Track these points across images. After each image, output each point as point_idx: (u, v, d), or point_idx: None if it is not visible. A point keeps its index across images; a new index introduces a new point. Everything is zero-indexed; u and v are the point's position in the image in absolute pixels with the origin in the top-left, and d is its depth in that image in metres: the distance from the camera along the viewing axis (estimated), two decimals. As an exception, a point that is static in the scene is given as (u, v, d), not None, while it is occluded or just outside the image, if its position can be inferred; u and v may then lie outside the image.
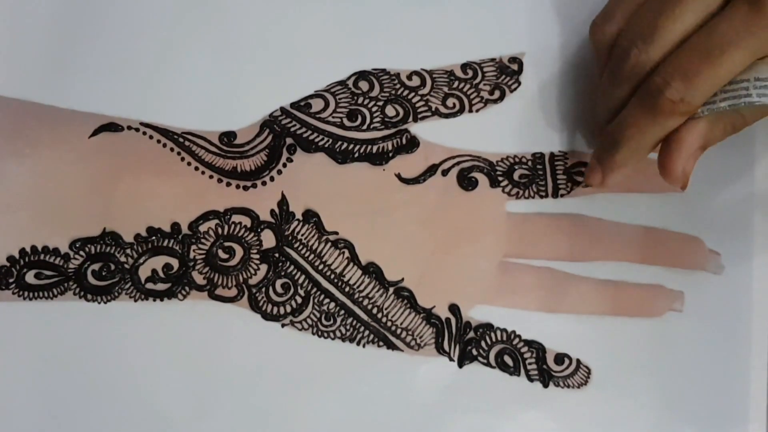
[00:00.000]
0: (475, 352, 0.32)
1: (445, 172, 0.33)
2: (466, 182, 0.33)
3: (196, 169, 0.32)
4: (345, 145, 0.32)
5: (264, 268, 0.31)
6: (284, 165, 0.32)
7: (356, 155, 0.32)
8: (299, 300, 0.31)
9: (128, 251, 0.31)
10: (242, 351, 0.31)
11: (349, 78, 0.33)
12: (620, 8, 0.28)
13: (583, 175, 0.33)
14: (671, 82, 0.25)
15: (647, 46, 0.26)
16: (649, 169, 0.30)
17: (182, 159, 0.32)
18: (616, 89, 0.28)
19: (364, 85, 0.33)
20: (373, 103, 0.33)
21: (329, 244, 0.32)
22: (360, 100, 0.33)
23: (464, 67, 0.34)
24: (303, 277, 0.32)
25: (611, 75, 0.28)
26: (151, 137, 0.32)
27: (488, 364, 0.32)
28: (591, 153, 0.33)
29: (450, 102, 0.33)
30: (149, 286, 0.31)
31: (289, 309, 0.31)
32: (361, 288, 0.32)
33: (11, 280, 0.30)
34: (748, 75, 0.25)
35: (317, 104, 0.33)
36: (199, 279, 0.31)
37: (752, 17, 0.24)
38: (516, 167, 0.33)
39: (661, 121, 0.26)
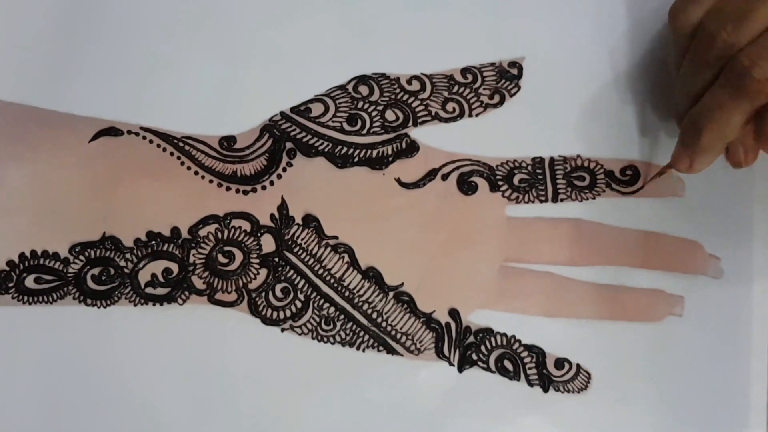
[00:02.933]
0: (475, 356, 0.32)
1: (444, 177, 0.33)
2: (466, 187, 0.33)
3: (196, 173, 0.32)
4: (345, 149, 0.32)
5: (264, 272, 0.31)
6: (284, 169, 0.32)
7: (356, 160, 0.32)
8: (299, 304, 0.31)
9: (128, 256, 0.31)
10: (242, 355, 0.31)
11: (349, 82, 0.33)
12: None
13: (582, 180, 0.33)
14: (759, 61, 0.25)
15: (737, 29, 0.26)
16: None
17: (182, 163, 0.32)
18: (699, 73, 0.28)
19: (364, 90, 0.33)
20: (373, 107, 0.33)
21: (329, 248, 0.32)
22: (360, 104, 0.33)
23: (464, 71, 0.34)
24: (303, 281, 0.32)
25: (694, 59, 0.28)
26: (151, 142, 0.32)
27: (488, 369, 0.32)
28: (592, 159, 0.33)
29: (450, 106, 0.33)
30: (149, 290, 0.31)
31: (288, 313, 0.31)
32: (361, 292, 0.32)
33: (11, 285, 0.30)
34: None
35: (317, 109, 0.33)
36: (198, 283, 0.31)
37: None
38: (516, 172, 0.33)
39: (748, 101, 0.26)
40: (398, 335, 0.32)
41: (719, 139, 0.28)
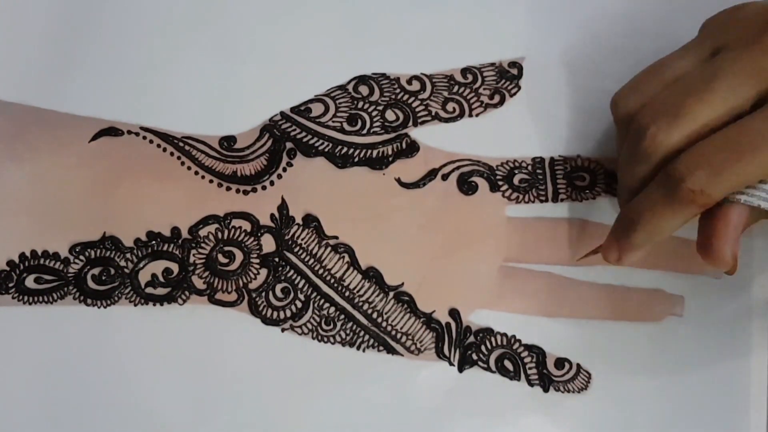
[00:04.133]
0: (475, 356, 0.32)
1: (445, 177, 0.33)
2: (466, 187, 0.33)
3: (196, 173, 0.32)
4: (345, 149, 0.32)
5: (264, 272, 0.31)
6: (284, 169, 0.32)
7: (356, 159, 0.32)
8: (299, 304, 0.31)
9: (128, 255, 0.31)
10: (242, 355, 0.31)
11: (349, 82, 0.33)
12: (647, 84, 0.27)
13: (582, 180, 0.33)
14: (695, 171, 0.24)
15: (669, 127, 0.25)
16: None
17: (182, 163, 0.32)
18: (634, 167, 0.27)
19: (364, 90, 0.33)
20: (373, 107, 0.33)
21: (329, 248, 0.32)
22: (360, 104, 0.33)
23: (464, 71, 0.34)
24: (303, 281, 0.32)
25: (629, 152, 0.27)
26: (151, 141, 0.32)
27: (488, 369, 0.32)
28: (592, 159, 0.33)
29: (450, 106, 0.33)
30: (149, 290, 0.31)
31: (289, 313, 0.31)
32: (361, 292, 0.32)
33: (11, 285, 0.30)
34: None
35: (317, 108, 0.33)
36: (199, 283, 0.31)
37: None
38: (516, 172, 0.33)
39: (679, 209, 0.25)
40: (398, 335, 0.32)
41: (649, 240, 0.27)
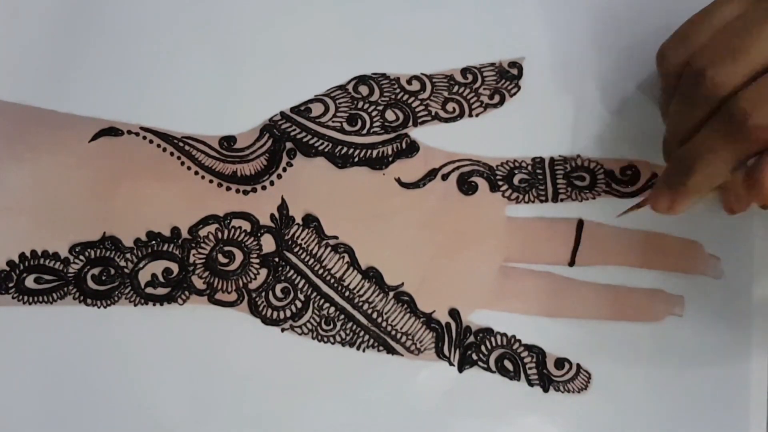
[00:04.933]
0: (475, 356, 0.32)
1: (445, 177, 0.33)
2: (466, 187, 0.33)
3: (196, 173, 0.32)
4: (345, 149, 0.32)
5: (264, 272, 0.31)
6: (284, 169, 0.32)
7: (356, 160, 0.32)
8: (299, 304, 0.31)
9: (128, 255, 0.31)
10: (242, 355, 0.31)
11: (349, 82, 0.33)
12: (697, 31, 0.27)
13: (582, 180, 0.33)
14: (760, 106, 0.23)
15: (727, 67, 0.24)
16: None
17: (182, 163, 0.32)
18: (688, 113, 0.26)
19: (364, 90, 0.33)
20: (373, 107, 0.33)
21: (329, 248, 0.32)
22: (360, 104, 0.33)
23: (464, 71, 0.34)
24: (303, 281, 0.32)
25: (684, 99, 0.26)
26: (151, 141, 0.32)
27: (488, 369, 0.32)
28: (592, 159, 0.33)
29: (450, 106, 0.33)
30: (149, 290, 0.31)
31: (288, 313, 0.31)
32: (361, 292, 0.32)
33: (11, 285, 0.30)
34: None
35: (317, 109, 0.33)
36: (198, 283, 0.31)
37: None
38: (516, 172, 0.33)
39: (743, 146, 0.25)
40: (398, 335, 0.32)
41: (707, 183, 0.27)
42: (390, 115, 0.33)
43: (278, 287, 0.31)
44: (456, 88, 0.33)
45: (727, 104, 0.25)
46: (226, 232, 0.31)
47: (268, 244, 0.32)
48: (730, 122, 0.24)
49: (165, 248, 0.31)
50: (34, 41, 0.33)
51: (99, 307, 0.31)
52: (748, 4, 0.26)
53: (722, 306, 0.33)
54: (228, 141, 0.32)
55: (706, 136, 0.26)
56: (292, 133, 0.32)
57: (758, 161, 0.25)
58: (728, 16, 0.26)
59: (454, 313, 0.32)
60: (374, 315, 0.32)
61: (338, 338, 0.31)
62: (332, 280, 0.32)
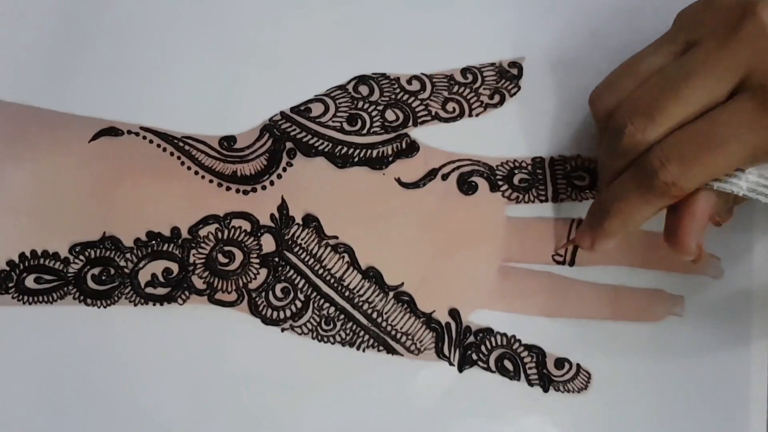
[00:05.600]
0: (475, 356, 0.32)
1: (445, 177, 0.33)
2: (466, 186, 0.33)
3: (196, 173, 0.32)
4: (345, 149, 0.32)
5: (264, 272, 0.31)
6: (284, 169, 0.32)
7: (356, 159, 0.32)
8: (299, 304, 0.31)
9: (128, 255, 0.31)
10: (242, 355, 0.31)
11: (349, 82, 0.33)
12: (622, 81, 0.27)
13: (582, 180, 0.33)
14: (667, 164, 0.25)
15: (645, 124, 0.25)
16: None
17: (182, 163, 0.32)
18: (612, 161, 0.27)
19: (364, 90, 0.33)
20: (373, 107, 0.33)
21: (329, 248, 0.32)
22: (360, 104, 0.33)
23: (464, 71, 0.34)
24: (303, 281, 0.32)
25: (607, 147, 0.28)
26: (151, 141, 0.32)
27: (488, 369, 0.32)
28: (592, 159, 0.33)
29: (450, 106, 0.33)
30: (149, 290, 0.31)
31: (288, 313, 0.31)
32: (361, 292, 0.32)
33: (11, 285, 0.30)
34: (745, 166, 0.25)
35: (317, 108, 0.33)
36: (198, 283, 0.31)
37: (757, 115, 0.24)
38: (516, 172, 0.33)
39: (652, 200, 0.26)
40: (398, 335, 0.32)
41: (623, 227, 0.28)
42: (390, 115, 0.33)
43: (278, 287, 0.31)
44: (456, 88, 0.33)
45: (641, 158, 0.26)
46: (226, 232, 0.31)
47: (268, 244, 0.32)
48: (643, 176, 0.26)
49: (165, 248, 0.31)
50: (34, 41, 0.33)
51: (99, 307, 0.31)
52: (672, 58, 0.27)
53: (722, 306, 0.33)
54: (228, 141, 0.32)
55: (622, 185, 0.27)
56: (292, 133, 0.32)
57: (671, 219, 0.27)
58: (652, 67, 0.27)
59: (454, 313, 0.32)
60: (374, 315, 0.32)
61: (338, 338, 0.31)
62: (332, 280, 0.32)
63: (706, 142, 0.24)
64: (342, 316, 0.31)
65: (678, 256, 0.27)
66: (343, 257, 0.32)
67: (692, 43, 0.26)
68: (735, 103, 0.24)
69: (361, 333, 0.31)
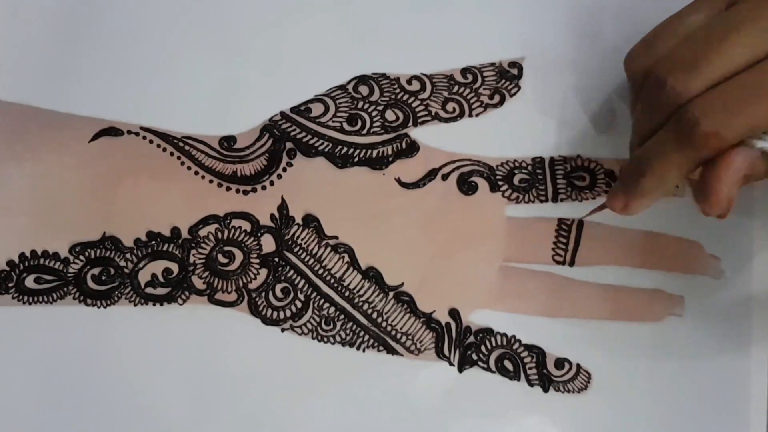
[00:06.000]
0: (475, 356, 0.32)
1: (445, 177, 0.33)
2: (466, 187, 0.33)
3: (196, 173, 0.32)
4: (345, 149, 0.32)
5: (264, 272, 0.31)
6: (284, 169, 0.32)
7: (356, 160, 0.32)
8: (299, 304, 0.31)
9: (128, 256, 0.31)
10: (242, 355, 0.31)
11: (349, 82, 0.33)
12: (660, 39, 0.27)
13: (582, 180, 0.33)
14: (710, 113, 0.24)
15: (686, 78, 0.25)
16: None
17: (182, 163, 0.32)
18: (649, 117, 0.27)
19: (364, 90, 0.33)
20: (373, 107, 0.33)
21: (329, 248, 0.32)
22: (360, 104, 0.33)
23: (464, 71, 0.34)
24: (303, 281, 0.32)
25: (646, 103, 0.27)
26: (151, 142, 0.32)
27: (488, 369, 0.32)
28: (592, 159, 0.33)
29: (450, 106, 0.33)
30: (149, 290, 0.31)
31: (288, 313, 0.31)
32: (361, 292, 0.32)
33: (11, 285, 0.30)
34: None
35: (317, 108, 0.33)
36: (198, 283, 0.31)
37: None
38: (516, 172, 0.33)
39: (692, 153, 0.25)
40: (398, 335, 0.32)
41: (659, 185, 0.27)
42: (390, 115, 0.33)
43: (278, 287, 0.31)
44: (456, 88, 0.33)
45: (680, 111, 0.25)
46: (226, 232, 0.31)
47: (268, 244, 0.32)
48: (681, 128, 0.25)
49: (165, 248, 0.31)
50: (34, 41, 0.33)
51: (99, 307, 0.31)
52: (713, 15, 0.26)
53: (722, 306, 0.33)
54: (228, 141, 0.32)
55: (660, 141, 0.26)
56: (292, 133, 0.32)
57: (706, 171, 0.25)
58: (693, 25, 0.26)
59: (454, 313, 0.32)
60: (374, 315, 0.32)
61: (338, 338, 0.31)
62: (332, 280, 0.32)
63: (753, 92, 0.24)
64: (342, 316, 0.31)
65: (706, 210, 0.26)
66: (343, 257, 0.32)
67: (734, 1, 0.26)
68: None
69: (361, 333, 0.31)
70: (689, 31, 0.26)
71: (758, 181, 0.27)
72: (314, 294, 0.32)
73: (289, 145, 0.32)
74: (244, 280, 0.31)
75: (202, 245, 0.31)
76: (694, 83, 0.25)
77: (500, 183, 0.33)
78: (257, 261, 0.31)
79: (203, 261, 0.31)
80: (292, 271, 0.32)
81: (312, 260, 0.32)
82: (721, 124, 0.24)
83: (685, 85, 0.25)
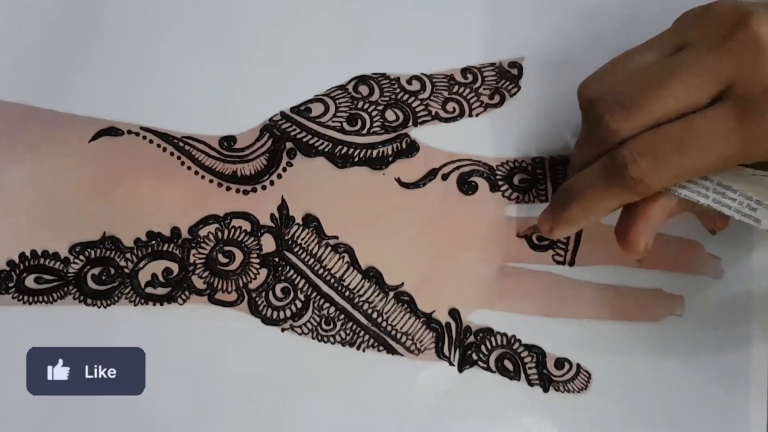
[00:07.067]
0: (475, 356, 0.32)
1: (445, 177, 0.33)
2: (466, 186, 0.33)
3: (196, 173, 0.32)
4: (345, 149, 0.32)
5: (264, 272, 0.31)
6: (284, 169, 0.32)
7: (356, 159, 0.32)
8: (299, 304, 0.31)
9: (128, 255, 0.31)
10: (242, 355, 0.31)
11: (349, 82, 0.33)
12: (609, 74, 0.27)
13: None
14: (638, 159, 0.25)
15: (622, 117, 0.25)
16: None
17: (182, 163, 0.32)
18: (585, 149, 0.28)
19: (364, 90, 0.33)
20: (373, 107, 0.33)
21: (329, 248, 0.32)
22: (360, 104, 0.33)
23: (464, 71, 0.34)
24: (303, 281, 0.32)
25: (585, 135, 0.28)
26: (151, 141, 0.32)
27: (488, 369, 0.32)
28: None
29: (450, 106, 0.33)
30: (149, 290, 0.31)
31: (288, 313, 0.31)
32: (361, 292, 0.32)
33: (11, 285, 0.30)
34: (713, 176, 0.25)
35: (317, 108, 0.33)
36: (198, 283, 0.31)
37: (733, 124, 0.24)
38: (516, 172, 0.33)
39: (617, 193, 0.26)
40: (398, 335, 0.32)
41: (584, 217, 0.28)
42: (390, 115, 0.33)
43: (278, 287, 0.31)
44: (456, 88, 0.33)
45: (613, 151, 0.26)
46: (226, 232, 0.31)
47: (268, 244, 0.32)
48: (612, 168, 0.25)
49: (165, 248, 0.31)
50: (34, 41, 0.33)
51: (99, 307, 0.31)
52: (660, 57, 0.26)
53: (722, 306, 0.33)
54: (228, 141, 0.32)
55: (591, 175, 0.27)
56: (292, 133, 0.32)
57: (625, 216, 0.27)
58: (641, 64, 0.27)
59: (454, 313, 0.32)
60: (374, 315, 0.32)
61: (338, 338, 0.31)
62: (332, 280, 0.32)
63: (680, 144, 0.24)
64: (342, 316, 0.31)
65: (625, 253, 0.27)
66: (343, 257, 0.32)
67: (683, 45, 0.26)
68: (714, 110, 0.24)
69: (361, 333, 0.31)
70: (636, 70, 0.27)
71: (719, 231, 0.29)
72: (314, 294, 0.32)
73: (289, 145, 0.32)
74: (244, 280, 0.31)
75: (202, 245, 0.31)
76: (629, 125, 0.25)
77: (500, 183, 0.33)
78: (257, 261, 0.31)
79: (203, 261, 0.31)
80: (292, 271, 0.32)
81: (312, 260, 0.32)
82: (647, 172, 0.25)
83: (620, 125, 0.25)
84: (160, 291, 0.31)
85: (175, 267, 0.31)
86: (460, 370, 0.32)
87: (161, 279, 0.31)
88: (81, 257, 0.31)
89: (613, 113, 0.26)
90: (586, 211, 0.27)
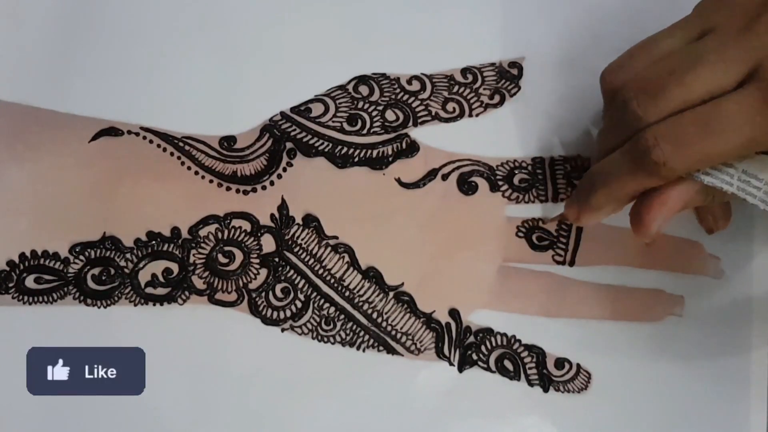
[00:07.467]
0: (475, 356, 0.32)
1: (445, 177, 0.33)
2: (466, 187, 0.33)
3: (196, 173, 0.32)
4: (345, 149, 0.32)
5: (264, 272, 0.31)
6: (284, 169, 0.32)
7: (356, 160, 0.32)
8: (299, 304, 0.31)
9: (128, 256, 0.31)
10: (242, 355, 0.31)
11: (349, 82, 0.33)
12: (634, 60, 0.27)
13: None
14: (661, 143, 0.25)
15: (647, 103, 0.25)
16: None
17: (182, 163, 0.32)
18: (609, 136, 0.28)
19: (364, 90, 0.33)
20: (373, 107, 0.33)
21: (329, 248, 0.32)
22: (360, 104, 0.33)
23: (464, 71, 0.34)
24: (303, 281, 0.32)
25: (610, 121, 0.28)
26: (151, 141, 0.32)
27: (488, 369, 0.32)
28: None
29: (450, 106, 0.33)
30: (149, 290, 0.31)
31: (288, 313, 0.31)
32: (361, 292, 0.32)
33: (11, 285, 0.30)
34: (738, 164, 0.25)
35: (317, 108, 0.33)
36: (199, 283, 0.31)
37: (759, 107, 0.24)
38: (516, 172, 0.33)
39: (640, 178, 0.26)
40: (398, 335, 0.32)
41: (609, 203, 0.28)
42: (390, 115, 0.33)
43: (278, 287, 0.31)
44: (456, 88, 0.33)
45: (637, 135, 0.25)
46: (226, 232, 0.31)
47: (268, 244, 0.32)
48: (636, 152, 0.25)
49: (165, 248, 0.31)
50: (34, 41, 0.33)
51: (99, 307, 0.31)
52: (685, 43, 0.27)
53: (722, 306, 0.33)
54: (228, 141, 0.32)
55: (615, 160, 0.27)
56: (292, 133, 0.32)
57: (643, 198, 0.27)
58: (665, 50, 0.27)
59: (454, 313, 0.32)
60: (374, 315, 0.32)
61: (338, 338, 0.31)
62: (332, 280, 0.32)
63: (704, 127, 0.24)
64: (342, 316, 0.31)
65: (634, 233, 0.27)
66: (343, 257, 0.32)
67: (707, 30, 0.26)
68: (740, 93, 0.24)
69: (361, 333, 0.31)
70: (660, 56, 0.27)
71: (717, 230, 0.30)
72: (314, 294, 0.32)
73: (289, 145, 0.32)
74: (244, 280, 0.31)
75: (202, 245, 0.31)
76: (654, 110, 0.25)
77: (500, 183, 0.33)
78: (257, 261, 0.31)
79: (203, 261, 0.31)
80: (292, 271, 0.32)
81: (312, 260, 0.32)
82: (670, 156, 0.25)
83: (645, 110, 0.25)
84: (160, 291, 0.31)
85: (175, 267, 0.31)
86: (460, 370, 0.32)
87: (161, 279, 0.31)
88: (81, 257, 0.31)
89: (639, 99, 0.26)
90: (611, 197, 0.27)
